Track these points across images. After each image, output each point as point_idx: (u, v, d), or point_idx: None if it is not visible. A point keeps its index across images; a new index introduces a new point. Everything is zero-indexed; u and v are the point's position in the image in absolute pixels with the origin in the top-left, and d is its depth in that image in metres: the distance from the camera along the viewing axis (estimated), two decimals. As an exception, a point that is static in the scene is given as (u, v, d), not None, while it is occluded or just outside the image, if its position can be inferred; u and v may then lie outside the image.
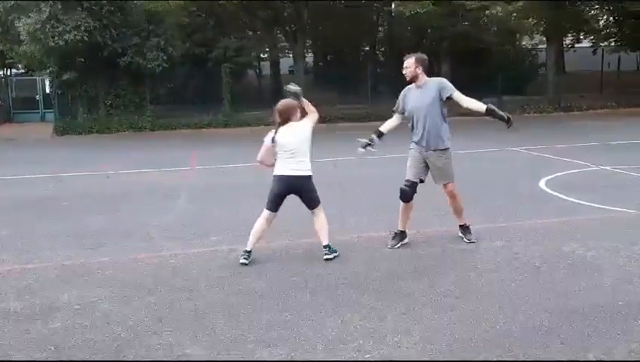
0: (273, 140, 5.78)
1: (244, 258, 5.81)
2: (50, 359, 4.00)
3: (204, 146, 17.32)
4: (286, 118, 5.81)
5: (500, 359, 3.82)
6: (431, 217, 7.54)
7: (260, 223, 5.94)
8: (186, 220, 7.88)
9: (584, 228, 6.83)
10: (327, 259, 5.86)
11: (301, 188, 5.87)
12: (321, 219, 6.01)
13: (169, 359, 3.95)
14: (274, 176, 5.90)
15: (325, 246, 5.93)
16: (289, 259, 5.98)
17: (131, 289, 5.23)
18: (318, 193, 6.01)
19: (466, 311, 4.56)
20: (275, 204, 5.93)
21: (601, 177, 10.16)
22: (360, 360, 3.86)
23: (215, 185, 10.56)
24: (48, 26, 19.39)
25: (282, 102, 5.88)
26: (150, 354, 4.01)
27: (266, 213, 5.96)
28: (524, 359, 3.82)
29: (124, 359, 3.96)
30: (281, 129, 5.79)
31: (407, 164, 6.29)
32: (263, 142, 5.99)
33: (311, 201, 5.95)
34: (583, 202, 8.10)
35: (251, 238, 5.90)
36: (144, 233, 7.16)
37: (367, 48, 35.06)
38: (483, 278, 5.27)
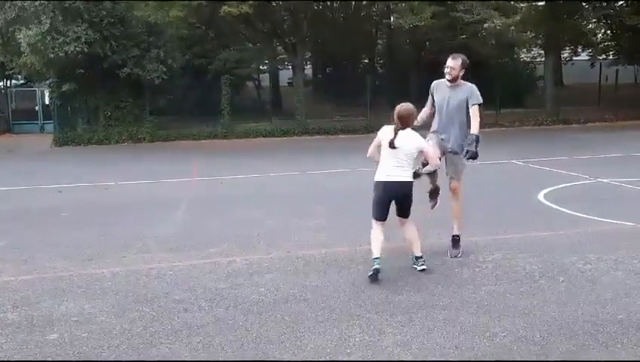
0: (392, 144, 5.63)
1: (377, 263, 5.58)
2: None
3: (203, 157, 17.33)
4: (406, 123, 5.72)
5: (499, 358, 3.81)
6: (429, 230, 7.54)
7: (376, 235, 5.72)
8: (185, 232, 7.87)
9: (583, 241, 6.83)
10: (423, 270, 5.77)
11: (405, 195, 5.74)
12: (413, 230, 5.88)
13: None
14: (378, 182, 5.74)
15: (419, 258, 5.85)
16: (288, 271, 5.97)
17: (129, 301, 5.21)
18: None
19: (464, 323, 4.55)
20: (384, 212, 5.75)
21: (599, 190, 10.17)
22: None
23: (214, 197, 10.56)
24: (49, 38, 19.44)
25: (405, 108, 5.73)
26: (148, 367, 4.00)
27: (376, 224, 5.76)
28: (522, 359, 3.81)
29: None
30: (400, 133, 5.68)
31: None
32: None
33: (407, 210, 5.81)
34: (581, 215, 8.10)
35: (375, 245, 5.67)
36: (142, 245, 7.15)
37: (366, 60, 35.16)
38: (482, 291, 5.26)
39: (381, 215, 5.75)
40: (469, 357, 4.01)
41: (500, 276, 5.65)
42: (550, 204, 8.89)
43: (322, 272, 5.87)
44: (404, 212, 5.82)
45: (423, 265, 5.83)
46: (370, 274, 5.56)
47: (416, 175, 5.98)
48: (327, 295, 5.24)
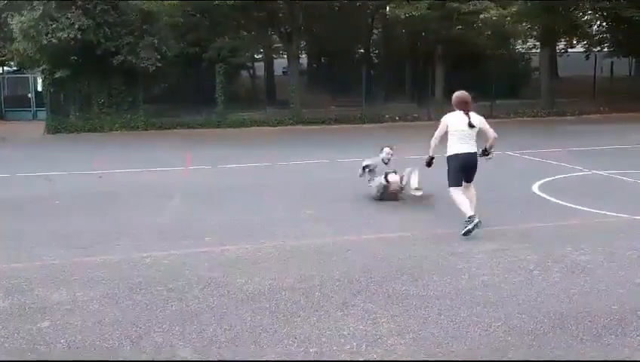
0: (471, 123, 6.70)
1: (474, 223, 6.50)
2: (40, 359, 3.96)
3: (197, 146, 17.26)
4: (468, 107, 6.79)
5: (501, 359, 3.81)
6: (425, 220, 7.54)
7: (461, 196, 6.78)
8: (179, 220, 7.83)
9: (577, 232, 6.84)
10: (473, 229, 6.55)
11: (473, 164, 6.84)
12: (473, 191, 6.98)
13: (160, 359, 3.91)
14: (454, 154, 6.77)
15: (470, 217, 6.58)
16: (282, 260, 5.95)
17: (122, 289, 5.18)
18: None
19: (459, 313, 4.55)
20: (460, 179, 6.86)
21: (594, 182, 10.19)
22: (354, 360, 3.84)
23: (208, 186, 10.51)
24: (42, 24, 19.27)
25: (465, 93, 6.86)
26: (141, 355, 3.97)
27: (457, 190, 6.82)
28: (519, 359, 3.81)
29: (115, 359, 3.92)
30: (471, 114, 6.75)
31: None
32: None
33: (473, 176, 6.96)
34: (576, 206, 8.11)
35: (466, 206, 6.66)
36: (136, 233, 7.11)
37: (362, 50, 35.05)
38: (476, 281, 5.25)
39: (458, 182, 6.88)
40: (462, 347, 4.01)
41: (494, 266, 5.64)
42: (545, 196, 8.89)
43: (317, 262, 5.85)
44: (471, 177, 6.97)
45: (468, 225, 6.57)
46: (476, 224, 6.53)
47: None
48: (322, 284, 5.22)
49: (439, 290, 5.04)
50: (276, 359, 3.89)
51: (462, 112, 6.77)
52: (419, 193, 8.38)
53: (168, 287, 5.20)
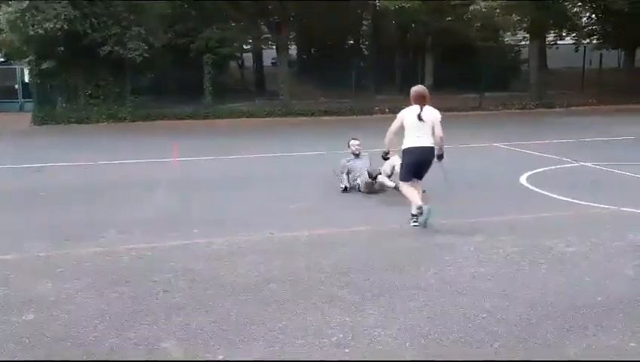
0: (420, 117, 6.67)
1: (427, 213, 6.59)
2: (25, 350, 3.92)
3: (185, 138, 17.16)
4: (425, 101, 6.75)
5: (494, 359, 3.81)
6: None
7: (408, 188, 6.84)
8: (165, 213, 7.79)
9: (564, 223, 6.86)
10: (415, 225, 6.73)
11: (427, 158, 6.81)
12: (420, 190, 6.95)
13: (155, 359, 3.88)
14: (408, 148, 6.76)
15: (420, 207, 6.69)
16: (269, 253, 5.92)
17: (107, 281, 5.14)
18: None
19: (445, 305, 4.55)
20: (412, 174, 6.88)
21: (581, 173, 10.23)
22: (341, 361, 3.83)
23: (195, 178, 10.46)
24: (28, 15, 19.04)
25: (422, 88, 6.92)
26: (126, 347, 3.94)
27: (406, 185, 6.87)
28: (515, 359, 3.81)
29: (101, 351, 3.90)
30: (424, 108, 6.72)
31: None
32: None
33: (425, 172, 6.95)
34: (563, 198, 8.14)
35: (415, 197, 6.72)
36: (122, 225, 7.05)
37: (352, 42, 34.95)
38: (463, 273, 5.26)
39: (409, 178, 6.91)
40: (449, 338, 4.01)
41: (481, 258, 5.65)
42: (532, 187, 8.92)
43: (304, 254, 5.84)
44: (423, 174, 6.97)
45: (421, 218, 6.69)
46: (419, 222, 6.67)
47: None
48: (309, 276, 5.21)
49: (426, 282, 5.05)
50: (262, 351, 3.88)
51: (417, 106, 6.74)
52: (392, 184, 8.24)
53: (154, 279, 5.17)
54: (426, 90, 6.87)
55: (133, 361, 3.79)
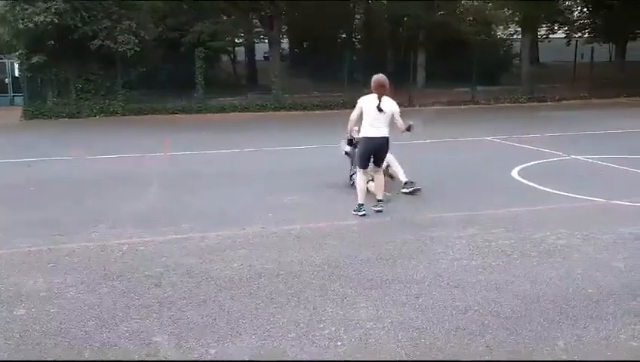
0: (379, 107, 6.78)
1: (364, 209, 6.90)
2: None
3: (176, 132, 17.09)
4: (385, 91, 6.85)
5: (492, 359, 3.82)
6: (405, 206, 7.54)
7: (362, 182, 7.03)
8: (157, 207, 7.76)
9: (555, 216, 6.90)
10: (378, 211, 6.99)
11: (383, 148, 7.00)
12: (381, 177, 7.17)
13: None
14: (365, 137, 6.94)
15: (380, 201, 7.06)
16: (261, 247, 5.92)
17: (99, 276, 5.13)
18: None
19: (437, 297, 4.56)
20: (368, 161, 7.06)
21: (572, 167, 10.27)
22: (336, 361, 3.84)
23: (187, 172, 10.42)
24: (18, 8, 18.89)
25: (383, 77, 6.88)
26: (118, 342, 3.94)
27: (361, 172, 7.08)
28: (511, 359, 3.83)
29: (92, 346, 3.88)
30: (383, 99, 6.82)
31: None
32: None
33: (382, 160, 7.16)
34: (554, 191, 8.17)
35: (360, 194, 6.95)
36: (113, 220, 7.02)
37: (344, 35, 34.87)
38: (455, 265, 5.28)
39: (365, 164, 7.09)
40: (441, 330, 4.02)
41: (473, 251, 5.67)
42: (524, 181, 8.95)
43: (296, 248, 5.84)
44: (380, 161, 7.13)
45: (380, 208, 7.03)
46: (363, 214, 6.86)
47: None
48: (301, 270, 5.21)
49: (418, 275, 5.06)
50: (254, 345, 3.88)
51: (376, 96, 6.83)
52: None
53: (145, 274, 5.16)
54: (387, 80, 6.90)
55: (126, 361, 3.78)
